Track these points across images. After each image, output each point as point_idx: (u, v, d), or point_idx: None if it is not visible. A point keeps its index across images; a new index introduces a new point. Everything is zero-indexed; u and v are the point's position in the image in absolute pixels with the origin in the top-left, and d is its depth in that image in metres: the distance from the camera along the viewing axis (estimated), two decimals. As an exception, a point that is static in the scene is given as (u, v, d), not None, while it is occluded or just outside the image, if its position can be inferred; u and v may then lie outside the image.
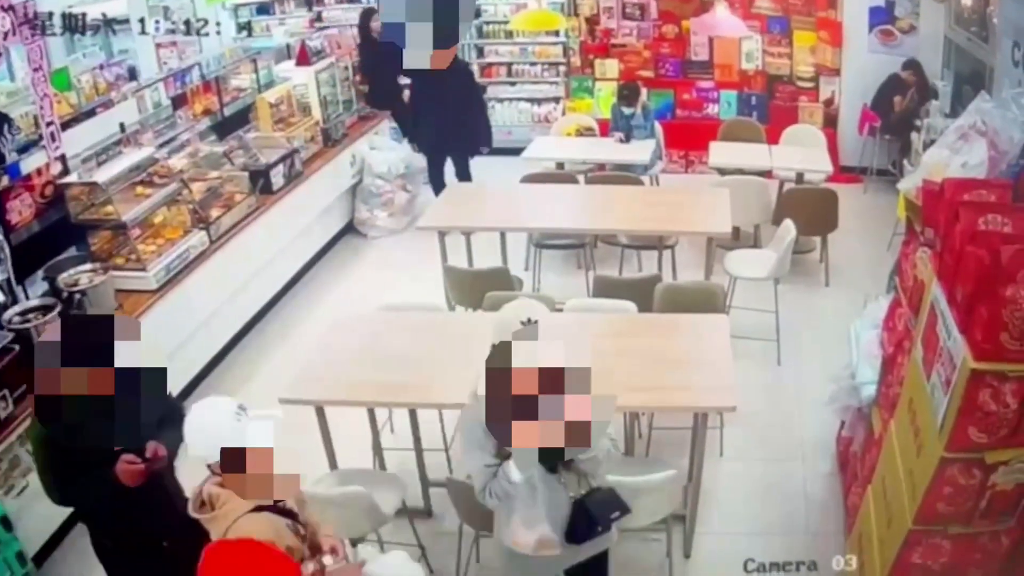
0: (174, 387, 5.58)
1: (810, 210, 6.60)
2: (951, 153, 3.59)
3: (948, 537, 2.98)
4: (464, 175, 8.14)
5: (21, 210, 5.17)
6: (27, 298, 4.87)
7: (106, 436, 2.72)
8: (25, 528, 4.23)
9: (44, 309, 4.55)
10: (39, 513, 4.37)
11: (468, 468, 3.07)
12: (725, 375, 4.04)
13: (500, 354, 2.60)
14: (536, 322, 3.04)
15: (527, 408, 2.52)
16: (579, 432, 2.55)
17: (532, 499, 3.03)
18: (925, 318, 3.11)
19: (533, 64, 10.15)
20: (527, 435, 2.56)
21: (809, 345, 5.82)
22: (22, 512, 4.23)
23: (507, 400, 2.53)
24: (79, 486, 3.09)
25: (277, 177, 6.69)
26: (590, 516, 3.01)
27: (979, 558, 3.03)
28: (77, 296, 4.74)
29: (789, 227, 5.75)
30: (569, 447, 2.61)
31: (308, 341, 5.68)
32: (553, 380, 2.52)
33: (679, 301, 4.90)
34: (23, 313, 4.53)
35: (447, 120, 7.62)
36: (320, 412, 4.21)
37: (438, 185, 8.06)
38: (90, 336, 2.61)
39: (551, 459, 2.87)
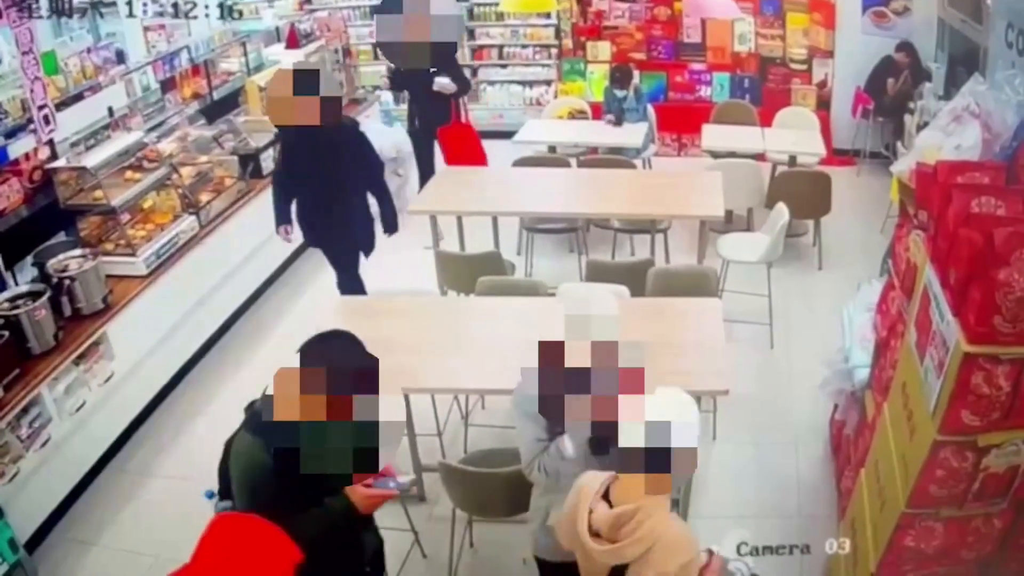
0: (169, 372, 5.59)
1: (803, 193, 6.59)
2: (944, 135, 3.57)
3: (941, 520, 2.98)
4: (347, 283, 5.74)
5: (9, 195, 5.14)
6: (16, 284, 4.86)
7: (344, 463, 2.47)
8: (16, 515, 4.21)
9: (33, 295, 4.52)
10: (30, 500, 4.37)
11: (518, 440, 2.99)
12: (718, 359, 4.04)
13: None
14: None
15: (580, 382, 2.48)
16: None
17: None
18: (918, 301, 3.11)
19: (524, 46, 10.10)
20: (580, 409, 2.52)
21: (802, 328, 5.82)
22: (13, 499, 4.21)
23: (560, 374, 2.48)
24: (304, 523, 2.60)
25: (267, 161, 6.64)
26: None
27: (972, 541, 3.04)
28: (66, 282, 4.71)
29: (782, 210, 5.74)
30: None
31: (300, 326, 5.65)
32: (607, 353, 2.47)
33: (672, 285, 4.89)
34: (12, 299, 4.50)
35: (316, 202, 5.41)
36: (312, 397, 4.20)
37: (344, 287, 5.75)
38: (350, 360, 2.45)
39: (604, 434, 2.85)
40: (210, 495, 2.92)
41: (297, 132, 4.89)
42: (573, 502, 2.55)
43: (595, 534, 2.43)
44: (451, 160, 7.11)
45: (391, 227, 5.66)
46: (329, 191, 5.27)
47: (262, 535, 2.54)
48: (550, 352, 2.54)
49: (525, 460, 2.97)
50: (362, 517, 2.77)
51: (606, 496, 2.48)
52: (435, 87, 6.92)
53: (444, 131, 7.18)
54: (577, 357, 2.49)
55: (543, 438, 2.90)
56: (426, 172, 7.44)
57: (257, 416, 2.64)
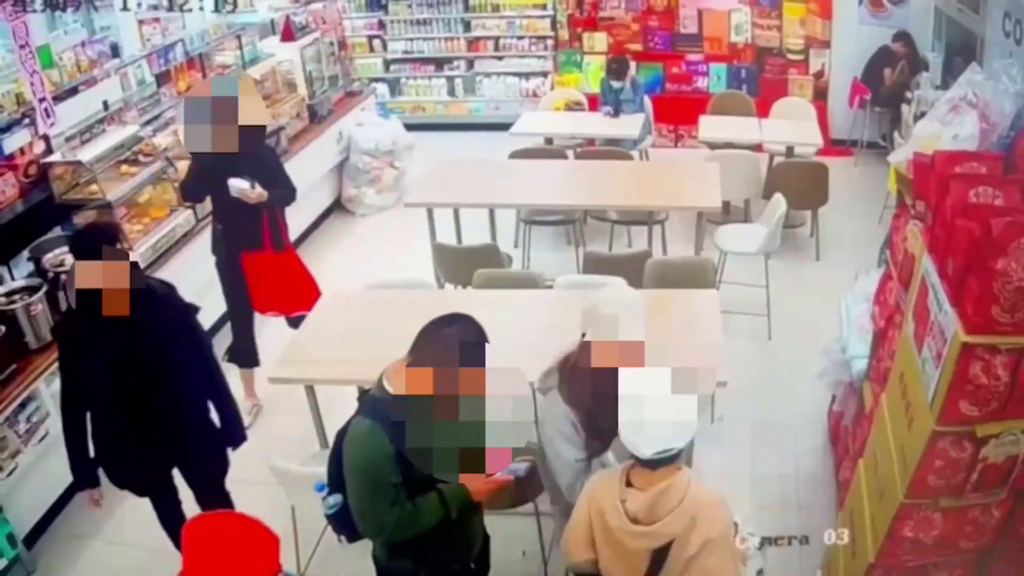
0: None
1: (800, 184, 6.59)
2: (942, 125, 3.57)
3: (939, 510, 2.98)
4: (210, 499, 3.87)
5: (4, 189, 5.13)
6: (12, 279, 4.84)
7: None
8: (15, 510, 4.21)
9: (29, 290, 4.51)
10: (28, 495, 4.36)
11: (554, 463, 2.93)
12: (715, 350, 4.03)
13: (604, 353, 2.57)
14: None
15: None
16: None
17: None
18: (916, 292, 3.10)
19: (520, 38, 10.08)
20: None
21: (800, 320, 5.82)
22: (11, 494, 4.21)
23: (615, 396, 2.48)
24: (422, 506, 2.68)
25: (263, 154, 6.61)
26: None
27: (970, 531, 3.04)
28: (63, 277, 4.69)
29: (779, 201, 5.74)
30: None
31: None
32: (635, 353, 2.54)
33: (669, 277, 4.89)
34: (8, 294, 4.49)
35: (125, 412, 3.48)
36: (310, 391, 4.20)
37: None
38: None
39: None
40: (320, 487, 2.82)
41: (89, 316, 3.29)
42: (591, 507, 2.60)
43: (633, 521, 2.49)
44: (260, 304, 5.17)
45: (235, 438, 3.82)
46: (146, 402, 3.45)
47: (240, 529, 2.54)
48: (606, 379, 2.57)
49: (566, 482, 2.91)
50: (473, 504, 2.81)
51: (628, 485, 2.55)
52: (232, 191, 4.61)
53: (250, 259, 4.96)
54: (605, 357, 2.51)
55: (581, 458, 2.88)
56: (240, 323, 5.33)
57: (377, 403, 2.67)
